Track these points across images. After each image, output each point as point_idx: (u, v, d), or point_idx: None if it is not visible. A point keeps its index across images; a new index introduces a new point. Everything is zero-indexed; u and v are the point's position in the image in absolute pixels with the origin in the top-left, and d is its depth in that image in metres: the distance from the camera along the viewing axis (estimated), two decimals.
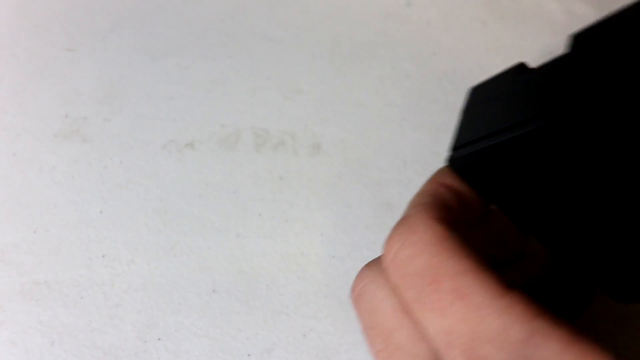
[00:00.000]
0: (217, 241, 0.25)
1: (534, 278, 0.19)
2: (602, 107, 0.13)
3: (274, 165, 0.27)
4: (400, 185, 0.27)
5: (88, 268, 0.24)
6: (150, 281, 0.24)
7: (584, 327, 0.16)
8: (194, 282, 0.24)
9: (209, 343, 0.23)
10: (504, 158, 0.17)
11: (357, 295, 0.17)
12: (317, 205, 0.26)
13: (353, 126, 0.29)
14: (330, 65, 0.31)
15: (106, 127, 0.28)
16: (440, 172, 0.19)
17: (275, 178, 0.27)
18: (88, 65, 0.30)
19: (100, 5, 0.32)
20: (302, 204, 0.26)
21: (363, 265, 0.25)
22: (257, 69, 0.30)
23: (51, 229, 0.25)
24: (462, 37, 0.32)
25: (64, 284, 0.24)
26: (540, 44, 0.32)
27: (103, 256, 0.24)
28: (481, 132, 0.17)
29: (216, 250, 0.25)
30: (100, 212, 0.25)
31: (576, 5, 0.34)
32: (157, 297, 0.23)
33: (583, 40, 0.14)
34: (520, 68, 0.17)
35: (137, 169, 0.27)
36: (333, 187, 0.26)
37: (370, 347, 0.17)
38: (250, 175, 0.27)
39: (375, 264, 0.17)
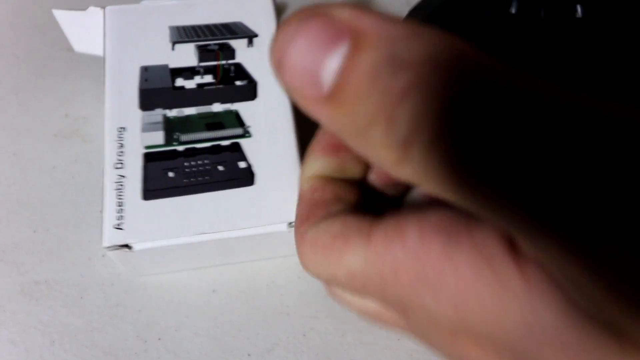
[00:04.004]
0: None
1: None
2: None
3: None
4: None
5: (88, 268, 0.24)
6: (151, 281, 0.24)
7: None
8: (194, 281, 0.24)
9: (209, 343, 0.23)
10: None
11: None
12: None
13: None
14: None
15: None
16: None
17: None
18: (88, 65, 0.30)
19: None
20: None
21: None
22: None
23: (51, 229, 0.25)
24: None
25: (64, 284, 0.24)
26: None
27: (103, 256, 0.24)
28: None
29: None
30: (101, 211, 0.25)
31: None
32: (157, 297, 0.23)
33: None
34: None
35: None
36: None
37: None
38: None
39: None
